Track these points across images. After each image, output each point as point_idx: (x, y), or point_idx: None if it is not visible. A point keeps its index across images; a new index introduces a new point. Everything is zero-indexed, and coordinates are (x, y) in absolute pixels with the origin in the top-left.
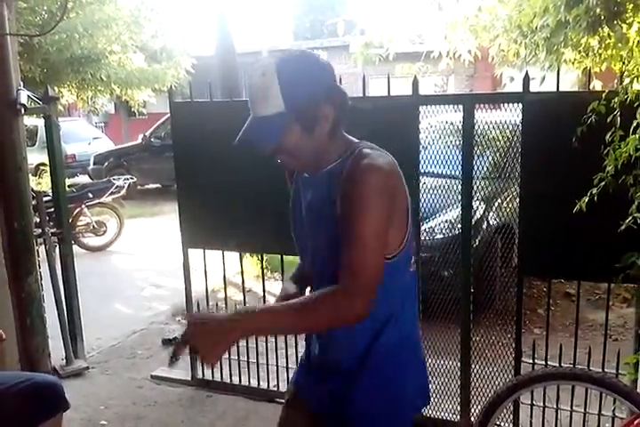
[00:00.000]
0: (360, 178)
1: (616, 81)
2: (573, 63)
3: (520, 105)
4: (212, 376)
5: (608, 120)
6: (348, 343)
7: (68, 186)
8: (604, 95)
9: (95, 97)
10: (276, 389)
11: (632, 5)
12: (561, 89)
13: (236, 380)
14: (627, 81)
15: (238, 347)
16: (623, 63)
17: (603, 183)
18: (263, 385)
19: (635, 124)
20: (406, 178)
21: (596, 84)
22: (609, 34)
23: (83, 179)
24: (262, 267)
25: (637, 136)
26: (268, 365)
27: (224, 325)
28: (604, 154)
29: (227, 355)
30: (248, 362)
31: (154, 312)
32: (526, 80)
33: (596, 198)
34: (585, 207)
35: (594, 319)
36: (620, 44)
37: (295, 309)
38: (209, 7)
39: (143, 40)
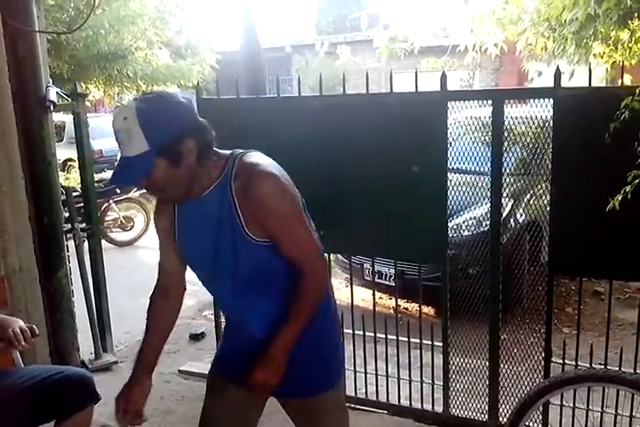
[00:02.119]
0: (257, 186)
1: None
2: (602, 57)
3: (551, 100)
4: None
5: None
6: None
7: (96, 181)
8: (637, 91)
9: (122, 93)
10: None
11: None
12: (582, 83)
13: None
14: None
15: None
16: None
17: (637, 181)
18: None
19: None
20: (434, 174)
21: (626, 79)
22: None
23: (110, 174)
24: None
25: None
26: None
27: (273, 366)
28: (638, 151)
29: None
30: None
31: (181, 307)
32: (557, 75)
33: (629, 196)
34: (618, 205)
35: (623, 318)
36: None
37: (296, 314)
38: (234, 2)
39: (168, 36)
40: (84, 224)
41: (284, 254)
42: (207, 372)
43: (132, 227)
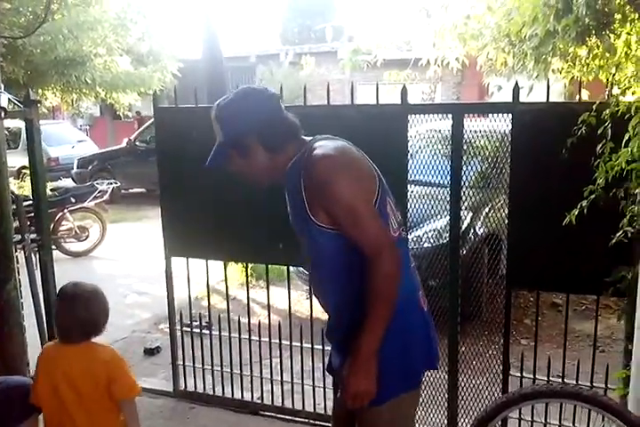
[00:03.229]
0: (313, 169)
1: (606, 92)
2: (561, 73)
3: (509, 115)
4: (195, 388)
5: (599, 132)
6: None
7: (51, 190)
8: (594, 106)
9: (80, 100)
10: (260, 401)
11: (620, 16)
12: (541, 98)
13: (219, 391)
14: (617, 92)
15: (222, 357)
16: (612, 74)
17: (593, 196)
18: (247, 397)
19: (626, 137)
20: (394, 187)
21: (584, 94)
22: (597, 44)
23: (66, 182)
24: (247, 275)
25: (629, 149)
26: (252, 376)
27: (363, 371)
28: (595, 166)
29: (210, 366)
30: (232, 373)
31: (136, 320)
32: (516, 90)
33: (585, 211)
34: (575, 220)
35: (581, 330)
36: (607, 55)
37: (372, 310)
38: (196, 10)
39: (130, 43)
40: (35, 235)
41: (351, 241)
42: (161, 388)
43: (87, 237)
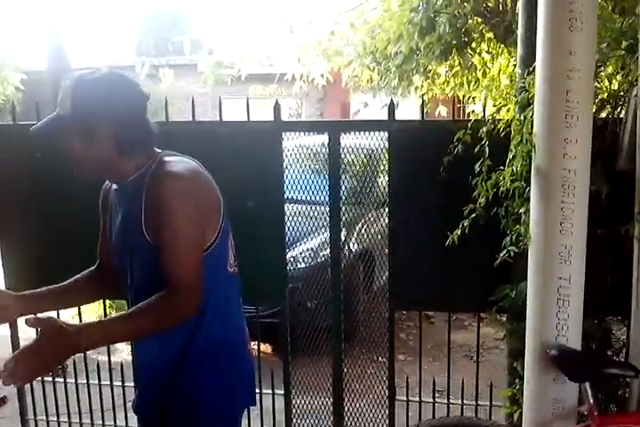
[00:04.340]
0: (161, 186)
1: (465, 108)
2: (420, 89)
3: (386, 133)
4: None
5: (476, 150)
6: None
7: None
8: (470, 124)
9: None
10: None
11: (478, 34)
12: (406, 115)
13: None
14: (476, 109)
15: (79, 406)
16: (484, 90)
17: (473, 215)
18: None
19: (510, 156)
20: (270, 207)
21: (442, 110)
22: (459, 62)
23: None
24: (105, 306)
25: (513, 168)
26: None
27: (57, 341)
28: (474, 184)
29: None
30: (93, 424)
31: None
32: (391, 108)
33: (467, 230)
34: (457, 240)
35: (454, 340)
36: (466, 72)
37: (125, 318)
38: (42, 19)
39: None
40: None
41: (159, 269)
42: None
43: None
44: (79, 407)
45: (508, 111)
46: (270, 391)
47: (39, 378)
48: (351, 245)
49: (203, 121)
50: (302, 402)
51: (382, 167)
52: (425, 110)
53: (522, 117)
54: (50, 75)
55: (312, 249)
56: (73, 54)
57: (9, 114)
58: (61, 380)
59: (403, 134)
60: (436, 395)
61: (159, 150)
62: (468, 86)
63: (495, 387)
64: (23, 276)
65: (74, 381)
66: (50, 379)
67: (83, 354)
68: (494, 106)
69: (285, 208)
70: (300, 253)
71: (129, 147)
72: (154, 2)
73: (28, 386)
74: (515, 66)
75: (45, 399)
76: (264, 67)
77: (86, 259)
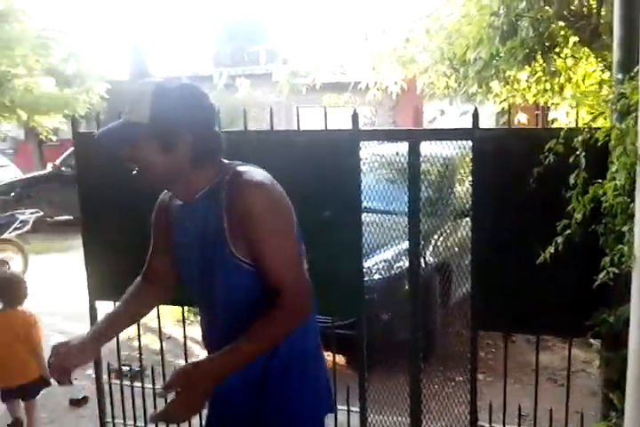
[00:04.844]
0: (247, 197)
1: (547, 116)
2: (499, 96)
3: (465, 142)
4: None
5: (570, 160)
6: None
7: None
8: (562, 133)
9: None
10: None
11: (561, 38)
12: (481, 122)
13: None
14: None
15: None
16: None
17: (568, 231)
18: None
19: (613, 169)
20: (348, 216)
21: (523, 118)
22: (542, 67)
23: None
24: (183, 310)
25: (616, 182)
26: None
27: (202, 378)
28: (567, 197)
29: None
30: None
31: None
32: (475, 116)
33: (560, 247)
34: (549, 258)
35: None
36: (548, 78)
37: (249, 339)
38: (125, 31)
39: (54, 63)
40: None
41: (263, 279)
42: None
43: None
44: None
45: (604, 119)
46: (345, 408)
47: (118, 381)
48: (427, 256)
49: (280, 130)
50: (378, 420)
51: (460, 177)
52: (504, 117)
53: (623, 126)
54: (131, 84)
55: (387, 260)
56: (153, 64)
57: (94, 121)
58: (139, 384)
59: (487, 143)
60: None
61: (226, 161)
62: (552, 93)
63: (585, 415)
64: (106, 286)
65: (151, 386)
66: (128, 383)
67: (161, 358)
68: (590, 114)
69: (363, 217)
70: (375, 264)
71: (203, 158)
72: (231, 13)
73: (106, 389)
74: (602, 71)
75: (124, 403)
76: (337, 75)
77: None
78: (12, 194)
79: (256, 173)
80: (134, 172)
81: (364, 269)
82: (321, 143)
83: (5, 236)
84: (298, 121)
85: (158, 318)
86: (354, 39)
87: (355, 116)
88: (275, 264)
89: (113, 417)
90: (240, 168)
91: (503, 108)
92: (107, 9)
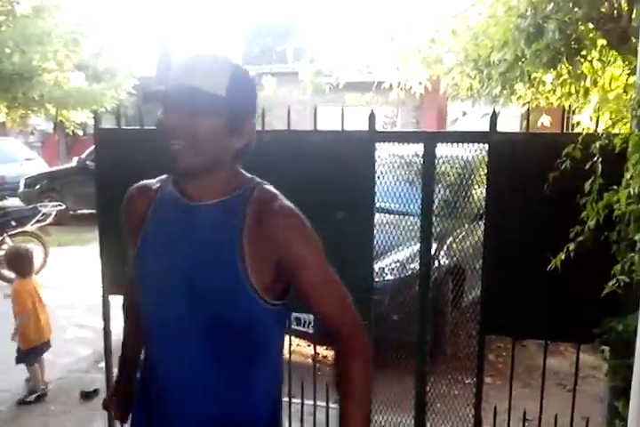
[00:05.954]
0: (292, 224)
1: (570, 119)
2: (524, 98)
3: (486, 145)
4: None
5: (587, 166)
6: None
7: None
8: (580, 138)
9: (27, 117)
10: None
11: (589, 41)
12: (504, 124)
13: None
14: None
15: None
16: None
17: (581, 238)
18: None
19: (628, 176)
20: (361, 217)
21: (546, 120)
22: (568, 70)
23: (12, 202)
24: None
25: (631, 190)
26: None
27: None
28: (582, 204)
29: None
30: None
31: (74, 358)
32: (493, 119)
33: (571, 254)
34: (560, 264)
35: (546, 366)
36: (574, 81)
37: (358, 405)
38: (154, 27)
39: (84, 58)
40: None
41: (316, 312)
42: None
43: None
44: None
45: (625, 125)
46: None
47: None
48: (441, 258)
49: (297, 130)
50: (382, 419)
51: (478, 179)
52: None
53: None
54: (158, 82)
55: (400, 261)
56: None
57: (123, 118)
58: None
59: (504, 147)
60: (525, 425)
61: (245, 173)
62: (577, 96)
63: (591, 421)
64: (121, 280)
65: None
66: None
67: None
68: (611, 119)
69: (377, 218)
70: (388, 265)
71: (243, 154)
72: (260, 11)
73: None
74: (629, 75)
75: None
76: (362, 74)
77: None
78: (38, 187)
79: (286, 200)
80: (176, 146)
81: (377, 270)
82: (336, 144)
83: (27, 228)
84: (315, 120)
85: None
86: (380, 39)
87: (371, 117)
88: (331, 299)
89: None
90: (268, 187)
91: (528, 112)
92: (136, 5)
